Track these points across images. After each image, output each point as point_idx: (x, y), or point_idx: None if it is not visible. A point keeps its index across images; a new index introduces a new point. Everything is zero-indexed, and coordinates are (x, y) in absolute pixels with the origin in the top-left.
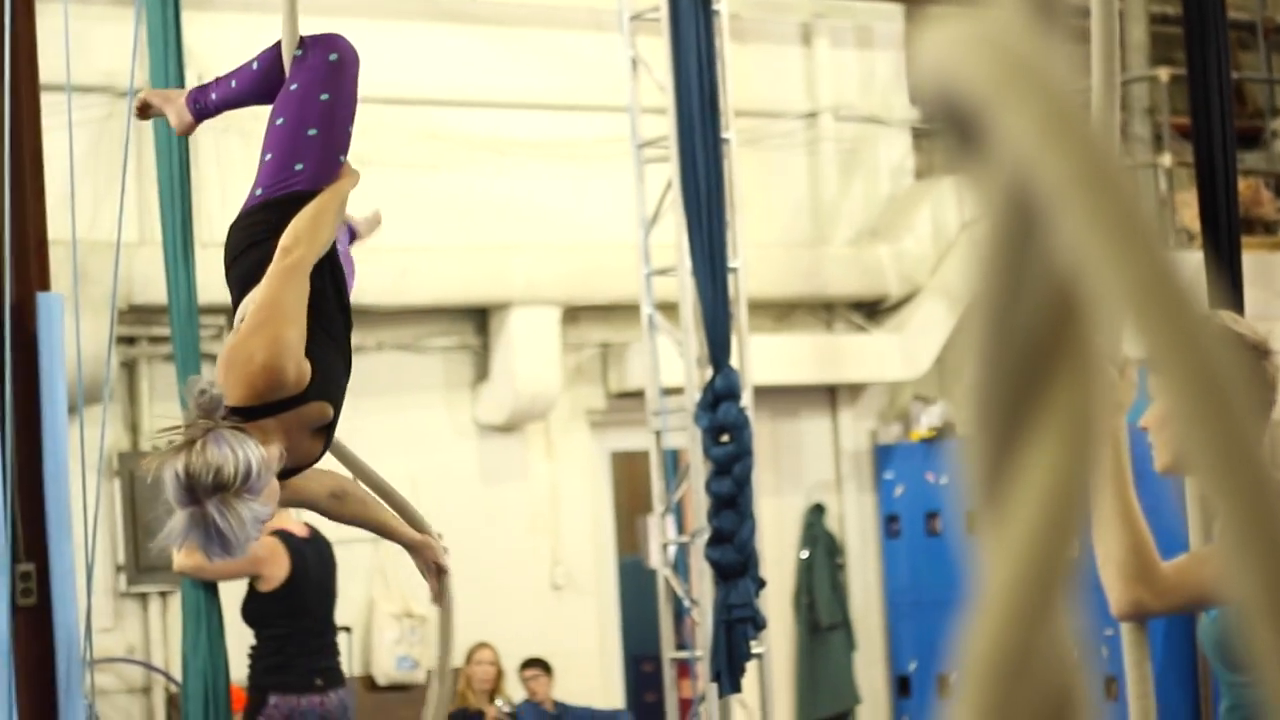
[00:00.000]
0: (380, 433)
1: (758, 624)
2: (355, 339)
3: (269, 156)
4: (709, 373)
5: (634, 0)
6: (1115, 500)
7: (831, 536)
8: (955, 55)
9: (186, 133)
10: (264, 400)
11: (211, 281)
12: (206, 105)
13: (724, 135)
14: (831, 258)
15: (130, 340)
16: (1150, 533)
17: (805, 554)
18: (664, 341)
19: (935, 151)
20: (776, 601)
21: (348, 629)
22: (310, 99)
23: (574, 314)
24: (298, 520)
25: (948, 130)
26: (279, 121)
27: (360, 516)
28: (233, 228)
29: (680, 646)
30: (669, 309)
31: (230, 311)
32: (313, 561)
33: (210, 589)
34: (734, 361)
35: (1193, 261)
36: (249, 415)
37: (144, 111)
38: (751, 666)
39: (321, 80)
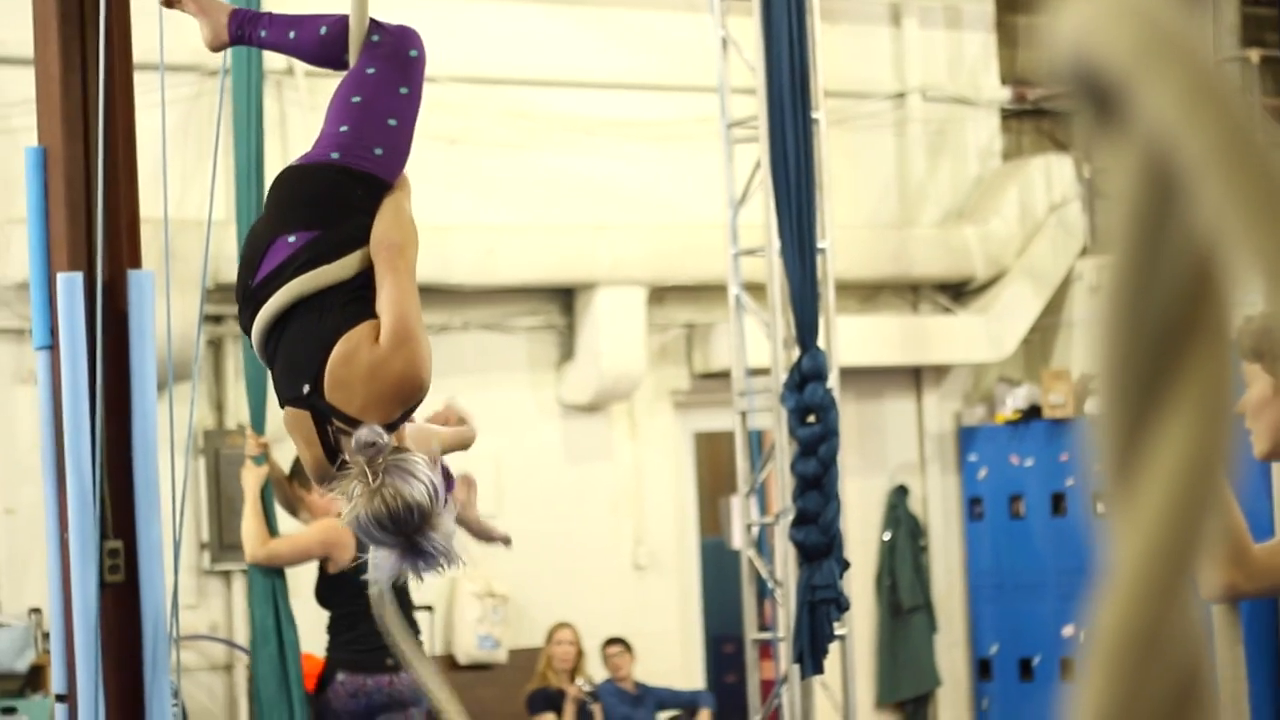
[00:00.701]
0: None
1: (841, 605)
2: (441, 318)
3: (345, 128)
4: (795, 353)
5: None
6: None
7: (914, 518)
8: (1096, 26)
9: (214, 49)
10: (405, 411)
11: None
12: (250, 37)
13: (813, 116)
14: (918, 239)
15: (217, 319)
16: (1242, 515)
17: (888, 536)
18: (750, 322)
19: (1024, 133)
20: (859, 583)
21: (429, 608)
22: (391, 88)
23: (660, 294)
24: None
25: (1086, 102)
26: (355, 99)
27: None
28: (299, 171)
29: (762, 628)
30: (755, 289)
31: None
32: None
33: (277, 572)
34: (820, 342)
35: None
36: (390, 427)
37: (170, 3)
38: (834, 648)
39: (402, 73)
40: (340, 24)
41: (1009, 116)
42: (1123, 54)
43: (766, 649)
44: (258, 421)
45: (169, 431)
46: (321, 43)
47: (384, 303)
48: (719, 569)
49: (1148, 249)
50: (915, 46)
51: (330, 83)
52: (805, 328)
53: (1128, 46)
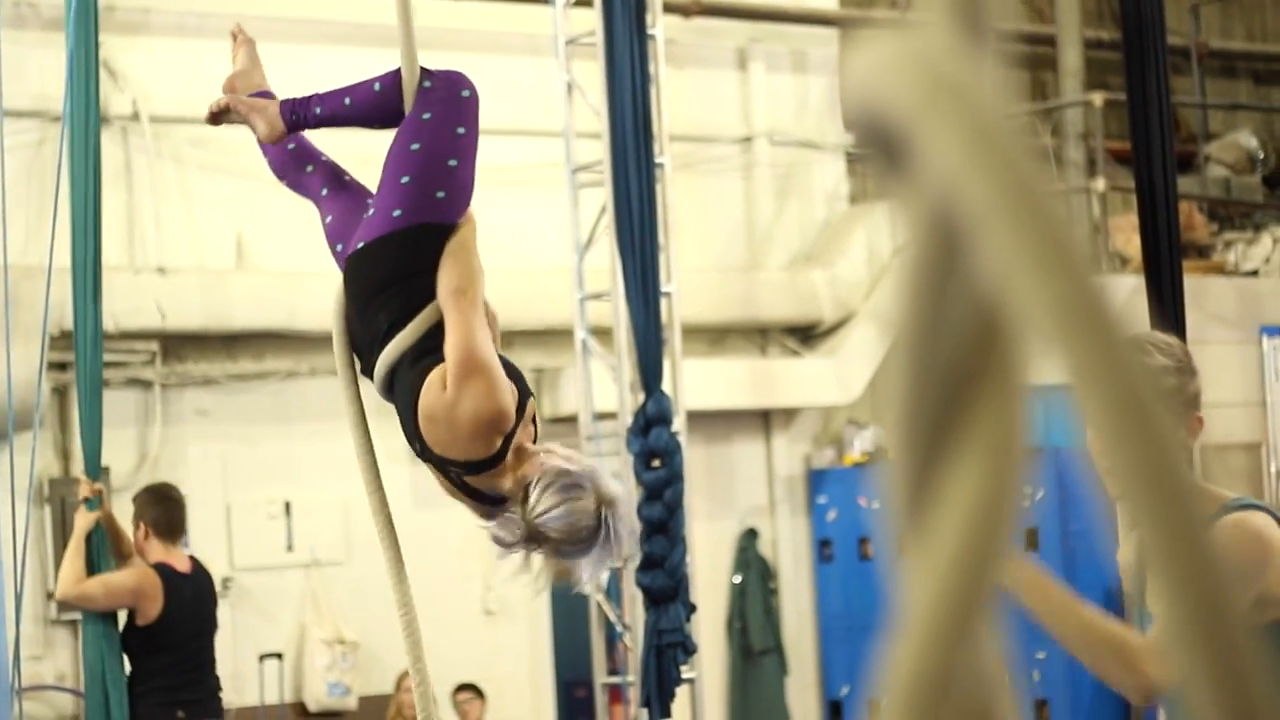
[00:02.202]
0: (313, 459)
1: (688, 649)
2: (287, 364)
3: (407, 179)
4: (641, 398)
5: (569, 25)
6: (1067, 618)
7: (764, 561)
8: (881, 75)
9: (275, 141)
10: (503, 438)
11: (146, 305)
12: (307, 117)
13: (658, 160)
14: (766, 282)
15: (61, 366)
16: (1112, 620)
17: (738, 579)
18: (597, 366)
19: (869, 176)
20: (709, 626)
21: (279, 655)
22: (448, 130)
23: (508, 339)
24: (182, 554)
25: (875, 151)
26: (414, 147)
27: None
28: (364, 256)
29: (612, 672)
30: (603, 334)
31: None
32: (188, 597)
33: (109, 620)
34: (666, 386)
35: (1126, 286)
36: (501, 455)
37: (217, 118)
38: (684, 692)
39: (458, 114)
40: (393, 77)
41: (855, 160)
42: (905, 101)
43: (617, 693)
44: (92, 466)
45: (10, 481)
46: (379, 100)
47: (448, 346)
48: (569, 613)
49: (935, 295)
50: (761, 91)
51: (176, 129)
52: (650, 372)
53: (910, 94)
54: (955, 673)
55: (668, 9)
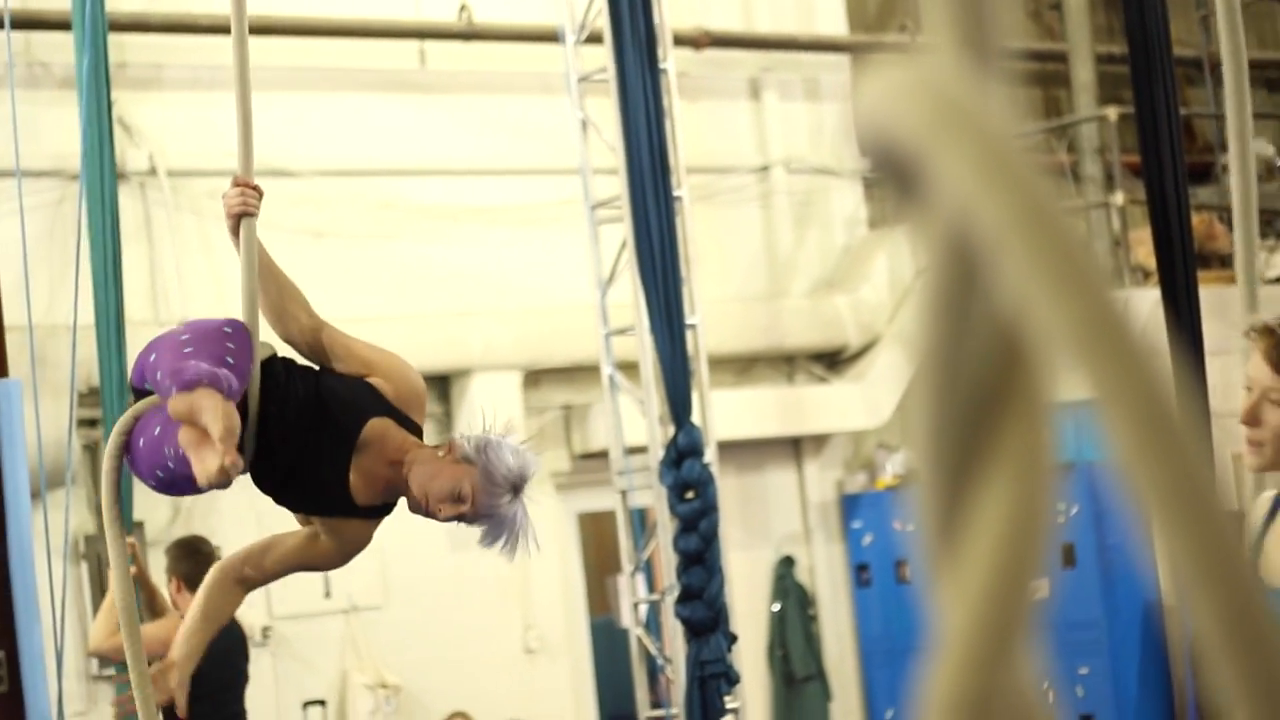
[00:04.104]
0: None
1: (730, 679)
2: None
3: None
4: (671, 430)
5: (581, 62)
6: None
7: (802, 588)
8: (892, 101)
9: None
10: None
11: None
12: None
13: (676, 193)
14: (789, 310)
15: (91, 423)
16: None
17: (777, 607)
18: (626, 401)
19: (887, 201)
20: (750, 655)
21: (322, 702)
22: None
23: (535, 377)
24: None
25: (889, 178)
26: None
27: None
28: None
29: (655, 705)
30: (630, 368)
31: None
32: (220, 649)
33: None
34: (696, 418)
35: (1149, 299)
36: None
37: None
38: None
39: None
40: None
41: (872, 185)
42: (915, 128)
43: None
44: (125, 522)
45: (45, 538)
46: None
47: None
48: (610, 648)
49: (955, 319)
50: (776, 119)
51: (193, 183)
52: (678, 404)
53: (919, 120)
54: (995, 693)
55: (678, 42)
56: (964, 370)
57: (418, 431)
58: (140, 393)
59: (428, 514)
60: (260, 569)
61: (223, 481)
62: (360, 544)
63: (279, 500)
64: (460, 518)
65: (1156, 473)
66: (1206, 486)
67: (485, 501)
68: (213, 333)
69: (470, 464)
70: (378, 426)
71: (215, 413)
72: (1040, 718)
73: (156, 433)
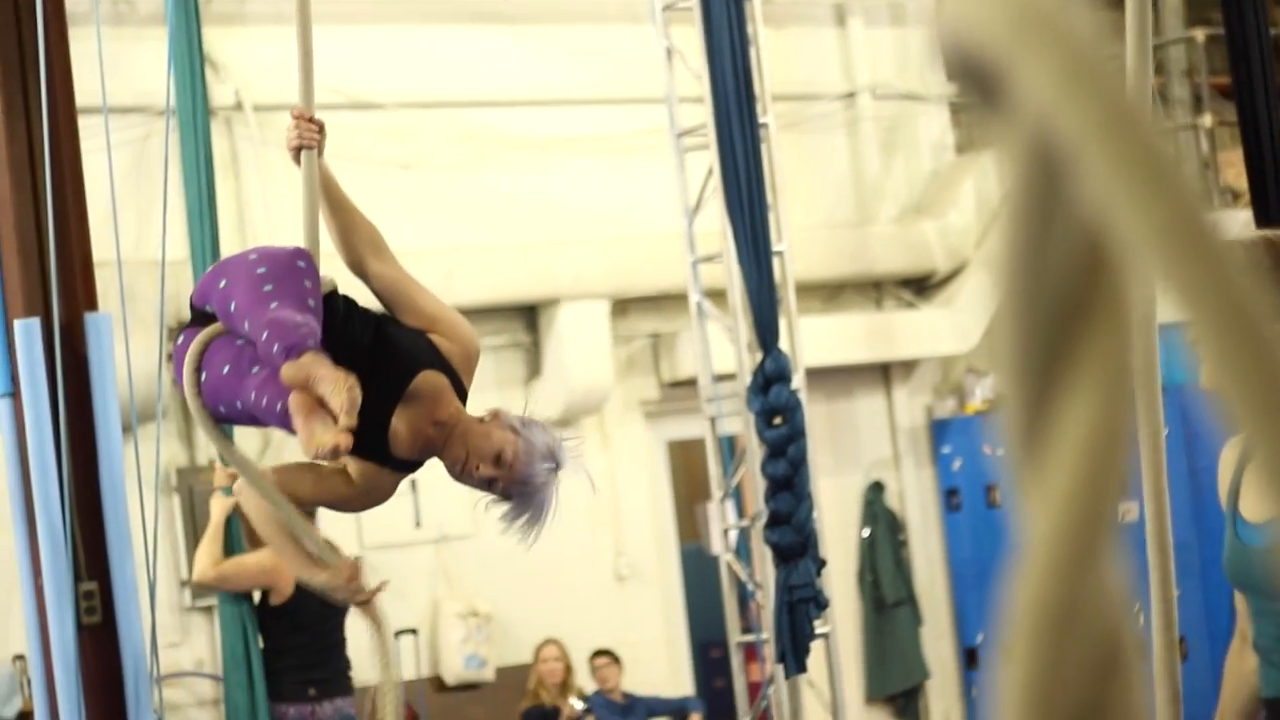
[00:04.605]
0: None
1: (820, 604)
2: None
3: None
4: (759, 357)
5: None
6: None
7: (892, 513)
8: (972, 9)
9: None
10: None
11: None
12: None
13: (762, 120)
14: (877, 236)
15: None
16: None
17: (867, 532)
18: (714, 329)
19: (973, 123)
20: (841, 581)
21: (413, 631)
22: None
23: (623, 306)
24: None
25: (971, 90)
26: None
27: None
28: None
29: (746, 631)
30: (717, 296)
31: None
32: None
33: (247, 601)
34: (784, 344)
35: (1238, 220)
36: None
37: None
38: (818, 646)
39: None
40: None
41: (959, 110)
42: (998, 35)
43: (752, 651)
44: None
45: (137, 471)
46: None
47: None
48: (700, 575)
49: (1038, 227)
50: (861, 45)
51: (280, 117)
52: (766, 330)
53: (1002, 27)
54: (1079, 603)
55: None
56: (1048, 281)
57: (464, 396)
58: (200, 313)
59: (463, 476)
60: (297, 491)
61: (332, 456)
62: (385, 495)
63: None
64: (493, 484)
65: (1247, 379)
66: None
67: (524, 471)
68: (288, 267)
69: (515, 433)
70: (430, 380)
71: (337, 385)
72: (1123, 628)
73: (225, 371)
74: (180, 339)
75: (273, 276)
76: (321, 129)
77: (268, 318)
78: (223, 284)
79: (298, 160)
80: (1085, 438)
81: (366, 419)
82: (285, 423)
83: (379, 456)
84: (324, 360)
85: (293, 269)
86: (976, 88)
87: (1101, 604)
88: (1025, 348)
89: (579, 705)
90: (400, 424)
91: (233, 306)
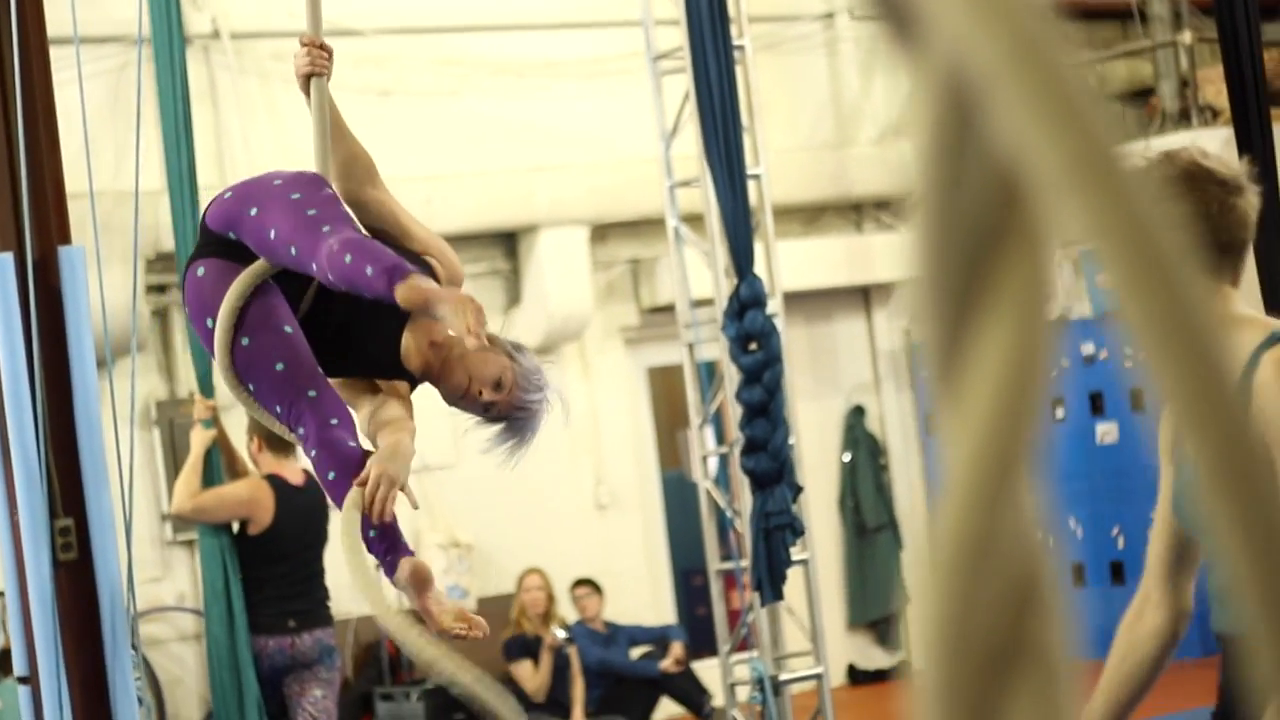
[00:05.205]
0: None
1: (796, 530)
2: None
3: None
4: (736, 282)
5: None
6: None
7: (873, 438)
8: None
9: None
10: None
11: None
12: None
13: (739, 42)
14: (857, 158)
15: (161, 289)
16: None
17: (848, 457)
18: (691, 254)
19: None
20: (821, 506)
21: None
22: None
23: (602, 232)
24: (295, 466)
25: (887, 17)
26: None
27: None
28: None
29: (726, 558)
30: (695, 221)
31: None
32: (300, 508)
33: (227, 533)
34: (760, 268)
35: (1219, 138)
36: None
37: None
38: (798, 573)
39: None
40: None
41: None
42: None
43: (732, 579)
44: (205, 386)
45: (112, 405)
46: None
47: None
48: (683, 501)
49: (951, 159)
50: None
51: (257, 45)
52: (741, 255)
53: None
54: (995, 535)
55: None
56: (961, 210)
57: None
58: (218, 238)
59: (463, 401)
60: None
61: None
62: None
63: (326, 362)
64: (489, 409)
65: (1154, 310)
66: (1203, 325)
67: (520, 395)
68: (320, 191)
69: (510, 358)
70: None
71: (459, 306)
72: (1040, 560)
73: (280, 369)
74: (200, 269)
75: (312, 201)
76: (330, 55)
77: (339, 240)
78: (254, 211)
79: (305, 88)
80: (1001, 368)
81: (381, 331)
82: (330, 488)
83: (397, 373)
84: (430, 280)
85: (325, 194)
86: (892, 16)
87: (1018, 538)
88: (941, 279)
89: (561, 634)
90: (410, 339)
91: (273, 234)
